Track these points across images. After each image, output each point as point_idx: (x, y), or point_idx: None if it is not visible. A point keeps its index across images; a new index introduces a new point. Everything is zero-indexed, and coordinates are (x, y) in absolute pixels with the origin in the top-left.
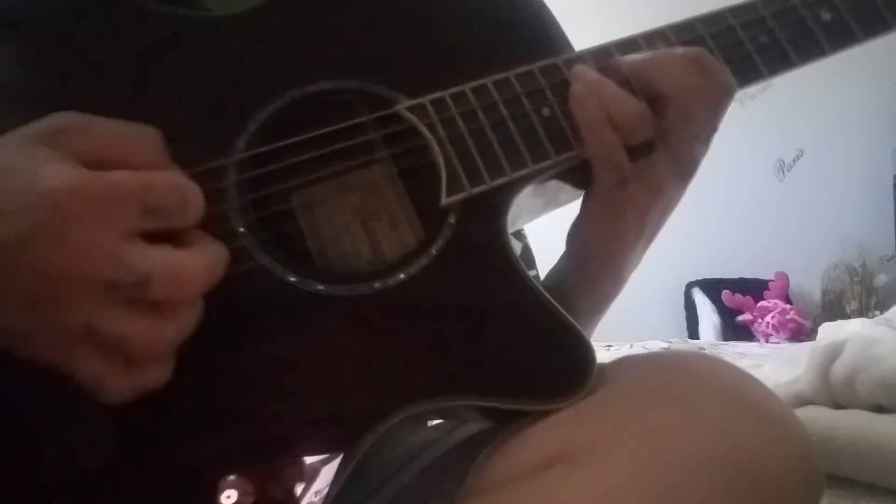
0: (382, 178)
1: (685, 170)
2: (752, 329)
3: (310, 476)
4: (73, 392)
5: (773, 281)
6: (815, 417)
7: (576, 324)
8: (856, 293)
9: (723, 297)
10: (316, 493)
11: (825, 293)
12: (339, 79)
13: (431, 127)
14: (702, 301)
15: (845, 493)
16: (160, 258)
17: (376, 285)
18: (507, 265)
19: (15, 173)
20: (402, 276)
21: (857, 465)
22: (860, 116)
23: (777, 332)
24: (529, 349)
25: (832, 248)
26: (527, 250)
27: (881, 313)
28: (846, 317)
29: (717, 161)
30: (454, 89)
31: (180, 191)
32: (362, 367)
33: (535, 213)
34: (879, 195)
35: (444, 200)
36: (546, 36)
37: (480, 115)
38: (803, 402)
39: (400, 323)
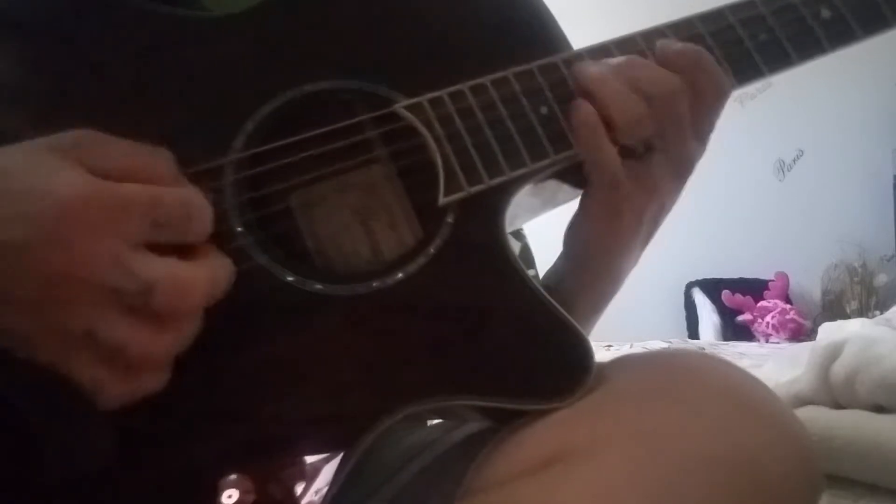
0: (381, 178)
1: (681, 169)
2: (752, 329)
3: (310, 475)
4: (73, 392)
5: (773, 281)
6: (815, 417)
7: (575, 323)
8: (856, 293)
9: (723, 297)
10: (316, 492)
11: (825, 293)
12: (337, 79)
13: (428, 125)
14: (702, 301)
15: (845, 493)
16: (164, 269)
17: (375, 285)
18: (506, 264)
19: (24, 177)
20: (401, 275)
21: (857, 465)
22: (860, 116)
23: (777, 332)
24: (528, 348)
25: (832, 248)
26: (526, 249)
27: (881, 313)
28: (846, 317)
29: (717, 161)
30: (452, 88)
31: (188, 207)
32: (361, 366)
33: (534, 212)
34: (879, 195)
35: (442, 200)
36: (545, 35)
37: (478, 113)
38: (803, 402)
39: (399, 322)
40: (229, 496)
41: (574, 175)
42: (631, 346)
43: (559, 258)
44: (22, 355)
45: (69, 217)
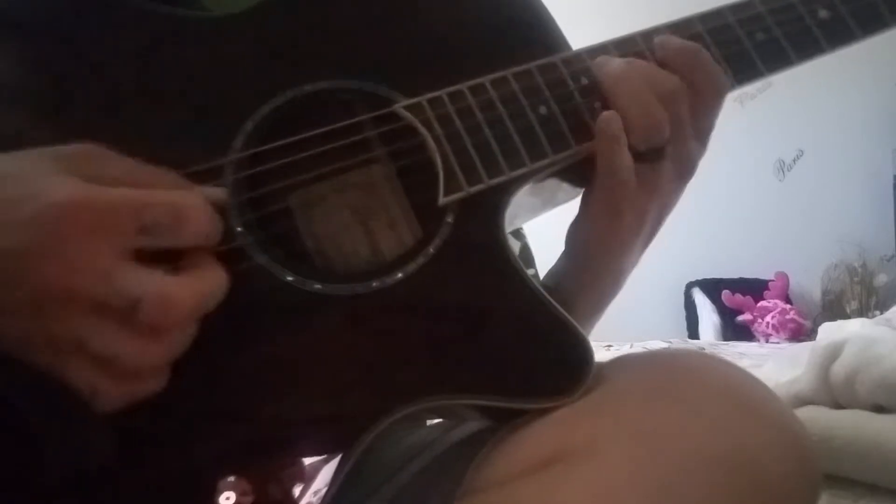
0: (380, 178)
1: (683, 170)
2: (752, 329)
3: (309, 476)
4: (72, 392)
5: (773, 281)
6: (815, 417)
7: (574, 323)
8: (856, 293)
9: (723, 297)
10: (315, 493)
11: (825, 293)
12: (337, 78)
13: (428, 125)
14: (702, 301)
15: (845, 493)
16: (150, 283)
17: (374, 284)
18: (506, 264)
19: (17, 183)
20: (401, 275)
21: (857, 465)
22: (860, 116)
23: (777, 332)
24: (528, 348)
25: (832, 248)
26: (526, 249)
27: (881, 313)
28: (846, 317)
29: (717, 161)
30: (452, 88)
31: (179, 209)
32: (361, 366)
33: (534, 212)
34: (879, 195)
35: (442, 200)
36: (544, 35)
37: (478, 113)
38: (803, 402)
39: (398, 322)
40: (227, 498)
41: (574, 174)
42: (631, 346)
43: (560, 258)
44: (21, 357)
45: (59, 223)
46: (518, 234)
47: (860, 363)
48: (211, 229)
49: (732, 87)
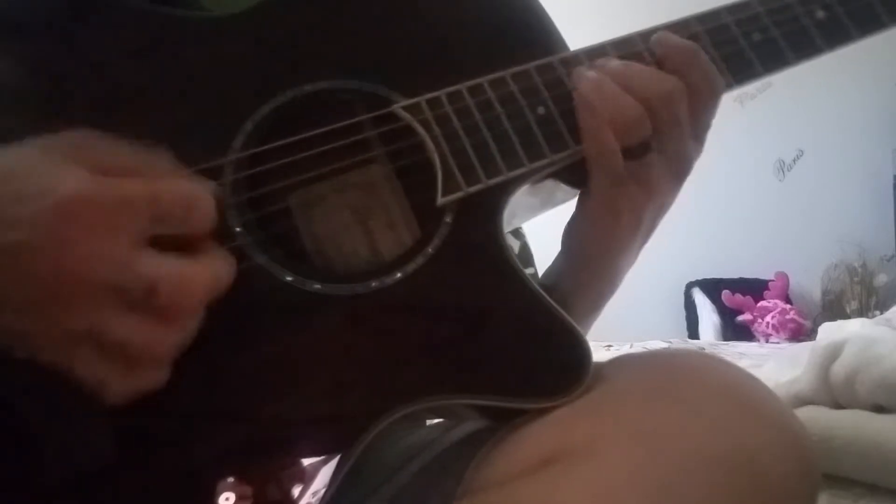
0: (379, 178)
1: (679, 169)
2: (752, 329)
3: (308, 477)
4: (72, 392)
5: (773, 281)
6: (815, 417)
7: (572, 322)
8: (856, 293)
9: (723, 297)
10: (314, 494)
11: (825, 293)
12: (337, 79)
13: (426, 125)
14: (702, 301)
15: (845, 493)
16: (167, 267)
17: (373, 284)
18: (504, 264)
19: (29, 178)
20: (400, 275)
21: (857, 465)
22: (860, 116)
23: (777, 332)
24: (526, 348)
25: (832, 248)
26: (525, 248)
27: (881, 313)
28: (846, 317)
29: (717, 161)
30: (450, 88)
31: (189, 199)
32: (360, 365)
33: (532, 211)
34: (879, 195)
35: (441, 200)
36: (542, 36)
37: (476, 113)
38: (803, 402)
39: (397, 322)
40: (227, 499)
41: (571, 175)
42: (631, 346)
43: (557, 257)
44: (23, 355)
45: (71, 217)
46: (517, 233)
47: (860, 363)
48: (215, 216)
49: (731, 87)
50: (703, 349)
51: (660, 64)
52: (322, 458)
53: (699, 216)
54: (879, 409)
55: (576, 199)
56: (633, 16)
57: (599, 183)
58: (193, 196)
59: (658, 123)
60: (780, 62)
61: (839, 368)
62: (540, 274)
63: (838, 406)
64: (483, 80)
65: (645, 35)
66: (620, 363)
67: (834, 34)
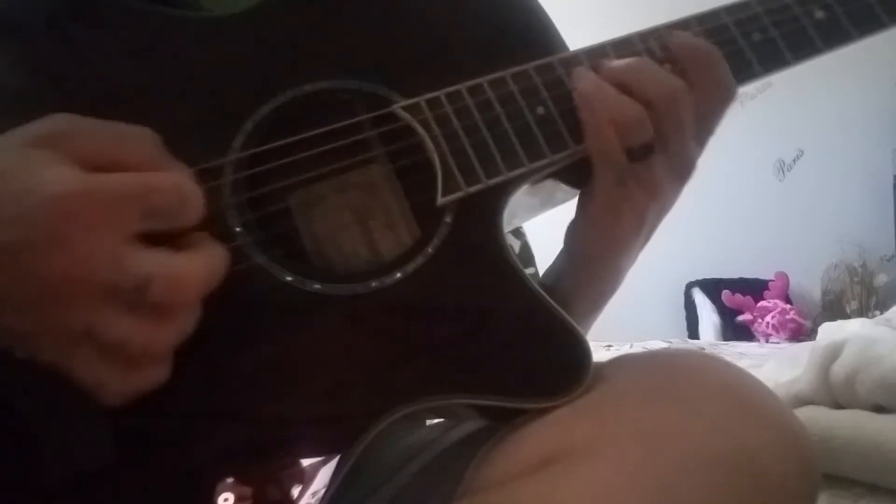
0: (379, 178)
1: (682, 170)
2: (752, 329)
3: (308, 478)
4: (72, 392)
5: (773, 281)
6: (815, 417)
7: (572, 322)
8: (856, 293)
9: (723, 297)
10: (313, 494)
11: (825, 293)
12: (337, 78)
13: (426, 125)
14: (702, 301)
15: (845, 493)
16: (160, 262)
17: (373, 284)
18: (504, 264)
19: (14, 177)
20: (399, 275)
21: (857, 465)
22: (860, 116)
23: (777, 332)
24: (527, 348)
25: (832, 248)
26: (525, 248)
27: (881, 313)
28: (846, 317)
29: (717, 161)
30: (450, 88)
31: (180, 191)
32: (360, 366)
33: (533, 211)
34: (879, 195)
35: (440, 200)
36: (542, 36)
37: (475, 113)
38: (803, 402)
39: (397, 322)
40: (225, 499)
41: (571, 175)
42: (631, 346)
43: (558, 256)
44: (22, 355)
45: (64, 216)
46: (518, 232)
47: (860, 363)
48: (204, 206)
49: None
50: (703, 349)
51: (671, 63)
52: (321, 458)
53: (699, 216)
54: (879, 409)
55: (576, 199)
56: (633, 16)
57: (602, 182)
58: (184, 186)
59: (660, 124)
60: (779, 62)
61: (839, 368)
62: (541, 274)
63: (838, 406)
64: (483, 80)
65: (644, 35)
66: (620, 363)
67: (833, 34)
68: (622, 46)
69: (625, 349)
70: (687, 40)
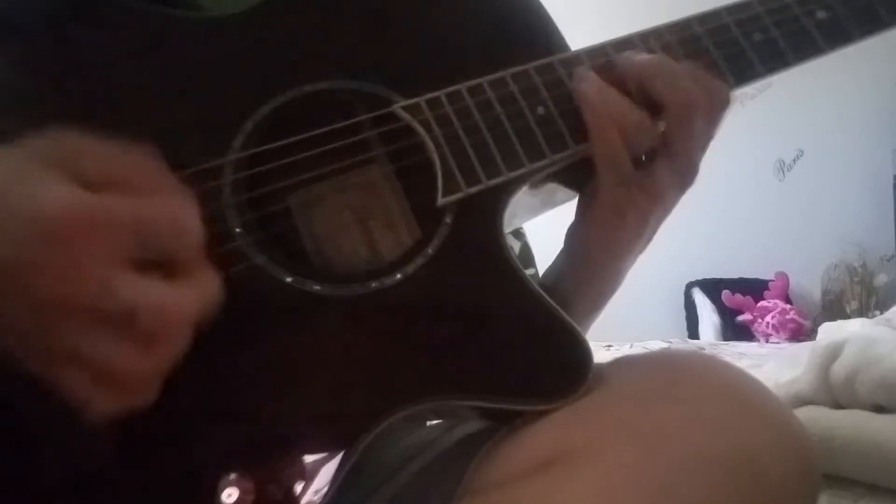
0: (379, 178)
1: (687, 176)
2: (752, 329)
3: (310, 475)
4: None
5: (773, 281)
6: (815, 417)
7: (573, 323)
8: (856, 293)
9: (723, 297)
10: (316, 492)
11: (825, 293)
12: (337, 79)
13: (426, 125)
14: (702, 301)
15: (845, 493)
16: (148, 292)
17: (373, 285)
18: (505, 264)
19: (12, 193)
20: (400, 276)
21: (857, 465)
22: (860, 116)
23: (777, 332)
24: (527, 349)
25: (832, 248)
26: (526, 248)
27: (881, 313)
28: (846, 317)
29: (717, 161)
30: (450, 89)
31: (178, 222)
32: (360, 366)
33: (533, 211)
34: (879, 195)
35: (441, 200)
36: (543, 36)
37: (475, 113)
38: (803, 402)
39: (397, 323)
40: (229, 495)
41: (572, 177)
42: (631, 347)
43: (558, 257)
44: (13, 366)
45: (56, 237)
46: (518, 233)
47: (860, 363)
48: (202, 238)
49: (731, 89)
50: (703, 349)
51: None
52: (324, 455)
53: (699, 216)
54: (879, 409)
55: (576, 199)
56: (634, 16)
57: (606, 186)
58: (183, 219)
59: (672, 128)
60: (781, 63)
61: (839, 368)
62: (540, 274)
63: (838, 406)
64: (483, 80)
65: (644, 36)
66: (621, 364)
67: (835, 34)
68: (622, 47)
69: (625, 349)
70: (666, 72)
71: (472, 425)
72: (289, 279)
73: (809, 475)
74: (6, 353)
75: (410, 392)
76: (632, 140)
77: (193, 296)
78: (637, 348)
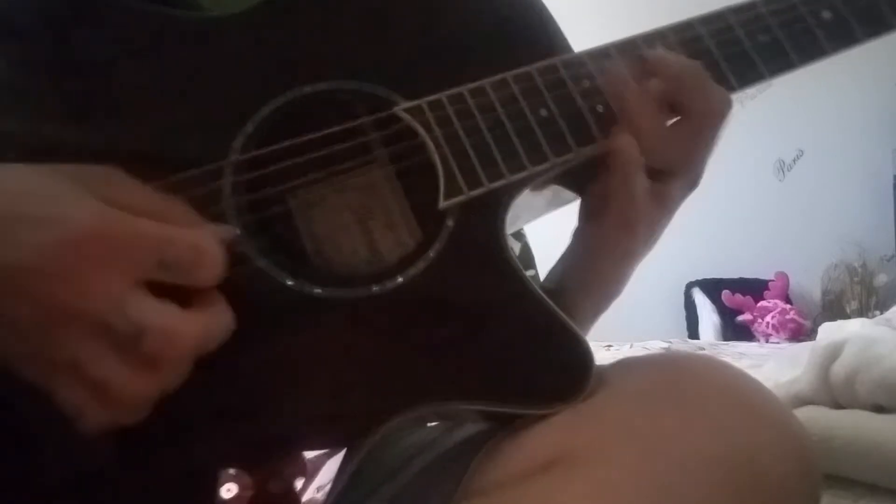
0: (380, 179)
1: (696, 181)
2: (752, 329)
3: (311, 472)
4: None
5: (773, 281)
6: (815, 417)
7: (575, 326)
8: (856, 293)
9: (723, 297)
10: (318, 488)
11: (825, 293)
12: (337, 80)
13: (428, 127)
14: (702, 301)
15: (845, 493)
16: (158, 316)
17: (375, 289)
18: (506, 267)
19: (44, 204)
20: (401, 279)
21: (857, 465)
22: (860, 116)
23: (777, 332)
24: (528, 352)
25: (832, 248)
26: (526, 250)
27: (881, 313)
28: (846, 317)
29: (717, 161)
30: (452, 91)
31: (198, 252)
32: (361, 369)
33: (537, 212)
34: (879, 195)
35: (443, 203)
36: (545, 37)
37: (477, 115)
38: (803, 402)
39: (398, 326)
40: (228, 490)
41: (573, 180)
42: (631, 346)
43: (561, 259)
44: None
45: (77, 249)
46: (518, 234)
47: (860, 363)
48: (222, 271)
49: (734, 91)
50: (703, 349)
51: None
52: (325, 451)
53: (699, 216)
54: (879, 409)
55: (579, 200)
56: (634, 16)
57: (619, 202)
58: (204, 249)
59: (692, 136)
60: (784, 64)
61: (839, 368)
62: (542, 276)
63: (838, 406)
64: (485, 81)
65: (648, 37)
66: (621, 366)
67: (839, 36)
68: (626, 48)
69: (625, 349)
70: (671, 65)
71: (474, 426)
72: (290, 282)
73: (810, 475)
74: (7, 353)
75: (411, 396)
76: (652, 146)
77: (202, 325)
78: (637, 348)
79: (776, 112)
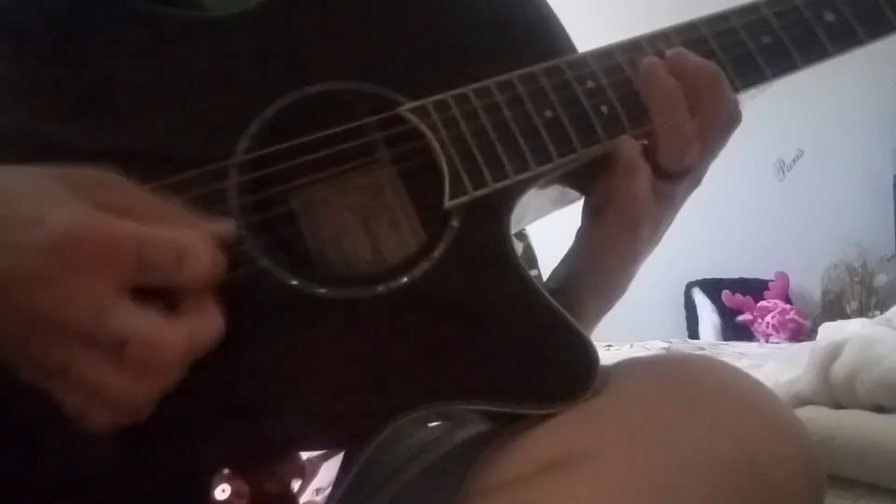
0: (384, 180)
1: (698, 180)
2: (752, 329)
3: (309, 473)
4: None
5: (773, 281)
6: (815, 417)
7: (579, 327)
8: (856, 293)
9: (723, 297)
10: (317, 490)
11: (825, 293)
12: (340, 80)
13: (433, 127)
14: (702, 301)
15: (845, 493)
16: (140, 324)
17: (378, 289)
18: (511, 268)
19: (24, 206)
20: (406, 279)
21: (857, 465)
22: (860, 116)
23: (777, 332)
24: (532, 353)
25: (832, 248)
26: (528, 250)
27: (881, 313)
28: (846, 317)
29: (717, 161)
30: (456, 91)
31: (180, 251)
32: (364, 370)
33: (542, 211)
34: (879, 195)
35: (447, 203)
36: (550, 38)
37: (482, 116)
38: (803, 402)
39: (402, 327)
40: (223, 490)
41: (578, 180)
42: (631, 346)
43: (565, 259)
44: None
45: (57, 253)
46: (520, 234)
47: (860, 363)
48: (212, 271)
49: (738, 92)
50: (703, 349)
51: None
52: (323, 452)
53: (699, 216)
54: (879, 409)
55: (583, 199)
56: (635, 16)
57: (623, 204)
58: (186, 247)
59: (706, 136)
60: (787, 66)
61: (839, 368)
62: (544, 276)
63: (838, 406)
64: (490, 82)
65: (651, 38)
66: (624, 367)
67: (842, 37)
68: (629, 49)
69: (625, 349)
70: (688, 63)
71: (475, 427)
72: (294, 282)
73: (812, 476)
74: (4, 356)
75: (414, 395)
76: (675, 144)
77: (188, 333)
78: (637, 348)
79: (776, 112)
